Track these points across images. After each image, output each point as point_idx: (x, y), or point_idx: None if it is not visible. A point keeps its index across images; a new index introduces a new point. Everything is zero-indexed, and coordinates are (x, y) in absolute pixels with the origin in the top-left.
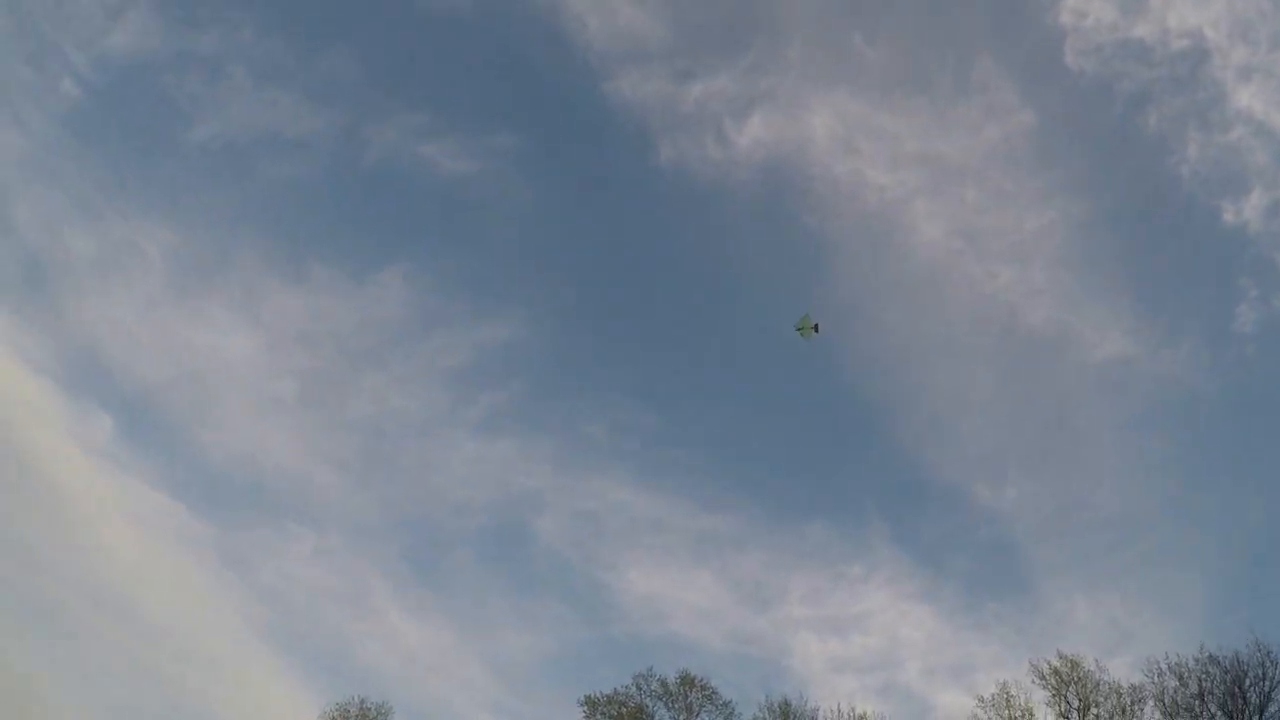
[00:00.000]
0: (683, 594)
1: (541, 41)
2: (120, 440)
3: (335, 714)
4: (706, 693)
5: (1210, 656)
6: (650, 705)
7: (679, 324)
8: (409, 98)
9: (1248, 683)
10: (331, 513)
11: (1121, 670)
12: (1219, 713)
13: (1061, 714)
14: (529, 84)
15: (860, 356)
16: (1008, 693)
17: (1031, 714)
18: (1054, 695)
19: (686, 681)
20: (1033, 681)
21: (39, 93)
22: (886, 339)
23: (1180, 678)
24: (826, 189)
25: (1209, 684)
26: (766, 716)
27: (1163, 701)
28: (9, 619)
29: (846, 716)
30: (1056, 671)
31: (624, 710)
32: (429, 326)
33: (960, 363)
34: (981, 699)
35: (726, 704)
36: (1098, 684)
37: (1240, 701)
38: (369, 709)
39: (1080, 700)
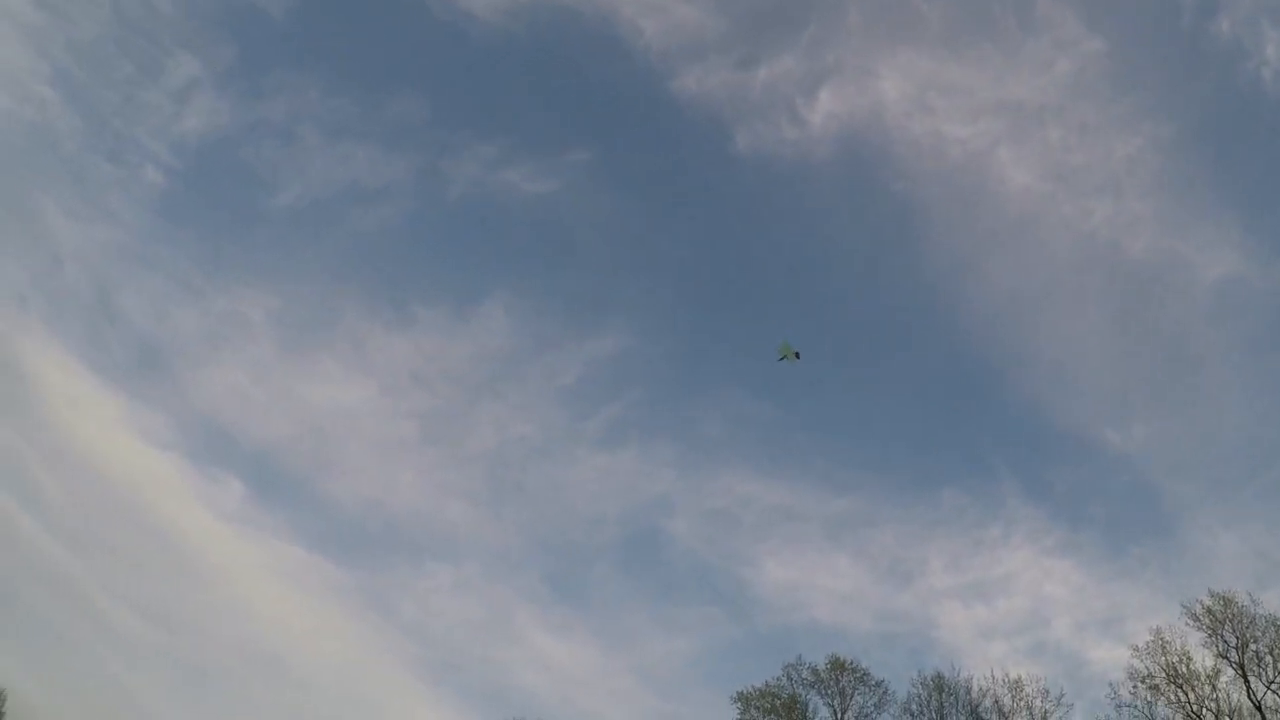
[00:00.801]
0: (822, 580)
1: (600, 52)
2: (251, 501)
3: None
4: (858, 675)
5: None
6: (803, 694)
7: (780, 310)
8: (479, 129)
9: None
10: (466, 545)
11: (1276, 602)
12: None
13: (1219, 653)
14: (594, 96)
15: (967, 315)
16: (1162, 638)
17: (1189, 657)
18: (1210, 635)
19: (836, 666)
20: (1186, 624)
21: (124, 184)
22: (990, 293)
23: None
24: (907, 151)
25: None
26: (920, 692)
27: None
28: (168, 683)
29: (1001, 683)
30: (1210, 611)
31: (777, 703)
32: (537, 349)
33: (1069, 306)
34: (1136, 648)
35: (879, 684)
36: (1254, 619)
37: None
38: None
39: (1238, 637)
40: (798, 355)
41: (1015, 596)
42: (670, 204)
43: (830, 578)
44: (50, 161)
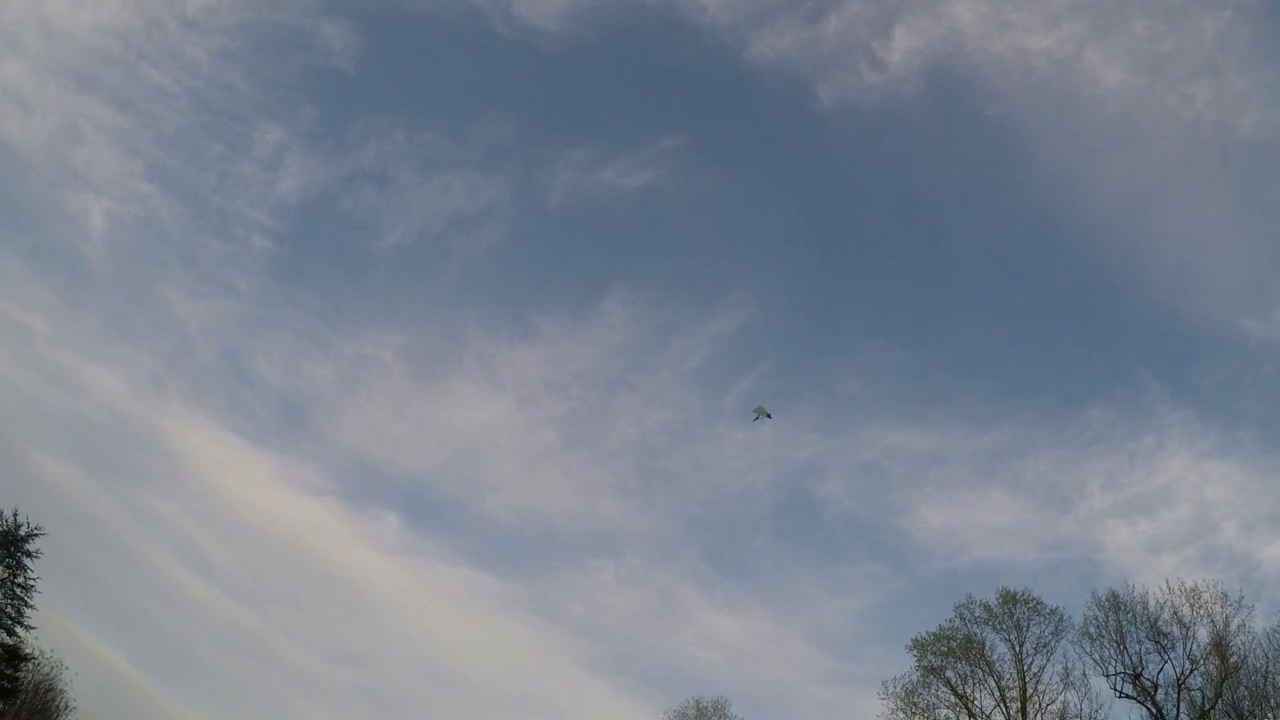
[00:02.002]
0: (980, 518)
1: (668, 38)
2: (409, 531)
3: (674, 719)
4: (1031, 605)
5: None
6: (978, 633)
7: (891, 254)
8: (567, 135)
9: None
10: (623, 537)
11: None
12: None
13: None
14: (672, 82)
15: (1084, 227)
16: None
17: None
18: None
19: (1008, 599)
20: None
21: (235, 257)
22: (1102, 200)
23: None
24: (993, 73)
25: None
26: (1097, 614)
27: None
28: (357, 715)
29: (1178, 593)
30: None
31: (953, 644)
32: (661, 337)
33: (1185, 199)
34: None
35: (1053, 612)
36: None
37: None
38: (705, 708)
39: None
40: (769, 415)
41: (1178, 506)
42: (766, 172)
43: (988, 514)
44: (163, 250)
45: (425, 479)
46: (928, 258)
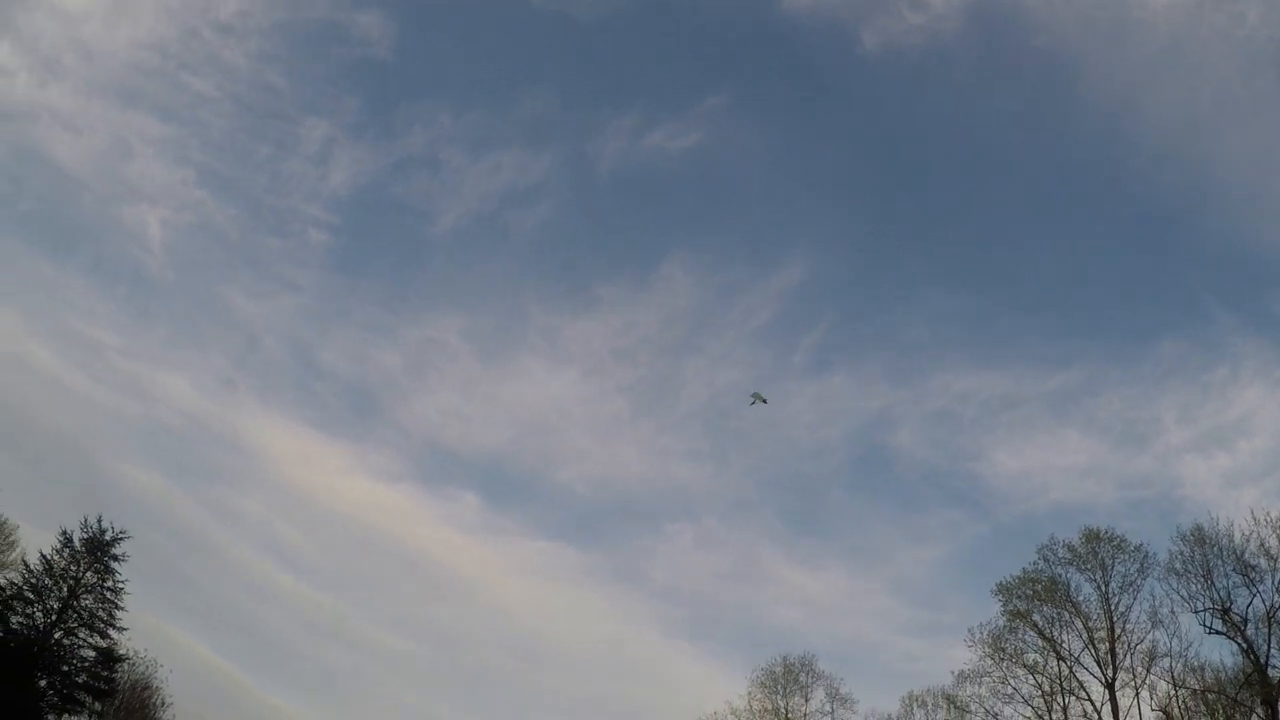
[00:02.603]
0: (1055, 459)
1: None
2: (487, 509)
3: (763, 678)
4: (1114, 543)
5: None
6: (1062, 574)
7: (949, 199)
8: (612, 103)
9: None
10: (700, 500)
11: None
12: None
13: None
14: (712, 40)
15: (1142, 157)
16: None
17: None
18: None
19: (1091, 538)
20: None
21: (293, 253)
22: (1160, 128)
23: None
24: (1038, 3)
25: None
26: (1182, 549)
27: None
28: (448, 692)
29: (1264, 524)
30: None
31: (1037, 588)
32: (724, 297)
33: (1246, 120)
34: None
35: (1137, 549)
36: None
37: None
38: (792, 665)
39: None
40: (765, 400)
41: (1256, 436)
42: (815, 122)
43: (1063, 455)
44: (222, 253)
45: (499, 456)
46: (984, 199)
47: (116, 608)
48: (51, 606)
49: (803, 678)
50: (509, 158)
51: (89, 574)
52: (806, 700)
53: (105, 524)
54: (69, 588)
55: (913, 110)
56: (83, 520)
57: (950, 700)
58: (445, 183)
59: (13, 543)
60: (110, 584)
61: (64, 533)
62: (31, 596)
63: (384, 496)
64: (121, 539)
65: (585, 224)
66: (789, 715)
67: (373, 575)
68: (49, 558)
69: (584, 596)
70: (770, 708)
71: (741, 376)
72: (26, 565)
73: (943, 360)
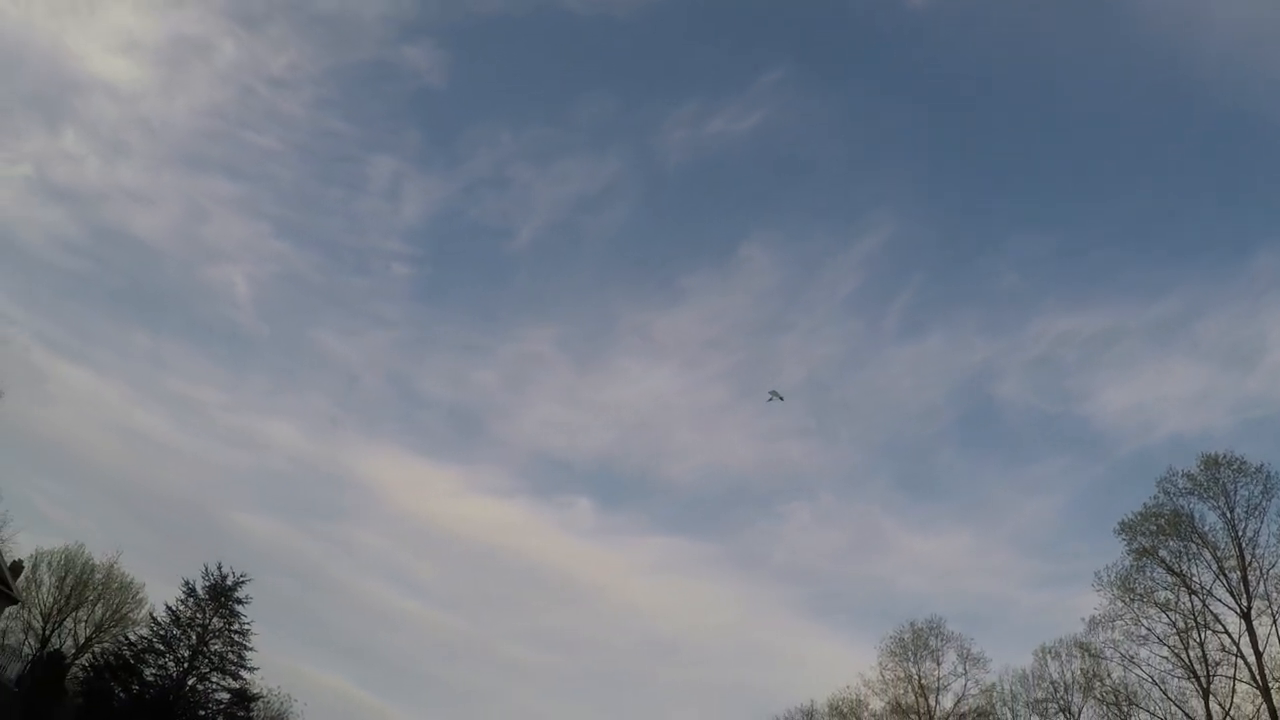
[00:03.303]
0: (1163, 390)
1: None
2: (602, 512)
3: (892, 646)
4: (1235, 467)
5: None
6: (1185, 505)
7: (1021, 139)
8: (669, 95)
9: None
10: (811, 476)
11: None
12: None
13: None
14: (756, 18)
15: (1211, 64)
16: None
17: None
18: None
19: (1210, 464)
20: None
21: (378, 289)
22: (1224, 29)
23: None
24: None
25: None
26: None
27: None
28: (580, 697)
29: None
30: None
31: (1161, 522)
32: (808, 270)
33: None
34: None
35: (1259, 470)
36: None
37: None
38: (920, 630)
39: None
40: (782, 398)
41: None
42: (872, 81)
43: (1171, 385)
44: (309, 299)
45: (607, 459)
46: (1055, 133)
47: (245, 649)
48: (182, 655)
49: (932, 642)
50: (575, 165)
51: (215, 619)
52: (938, 664)
53: (225, 570)
54: (197, 635)
55: (969, 54)
56: (204, 569)
57: (1084, 648)
58: (516, 199)
59: (140, 600)
60: (237, 627)
61: (186, 583)
62: (162, 648)
63: (499, 512)
64: (243, 582)
65: (659, 219)
66: (922, 681)
67: (496, 591)
68: (175, 609)
69: (707, 587)
70: (902, 675)
71: (836, 348)
72: (154, 619)
73: (1038, 304)
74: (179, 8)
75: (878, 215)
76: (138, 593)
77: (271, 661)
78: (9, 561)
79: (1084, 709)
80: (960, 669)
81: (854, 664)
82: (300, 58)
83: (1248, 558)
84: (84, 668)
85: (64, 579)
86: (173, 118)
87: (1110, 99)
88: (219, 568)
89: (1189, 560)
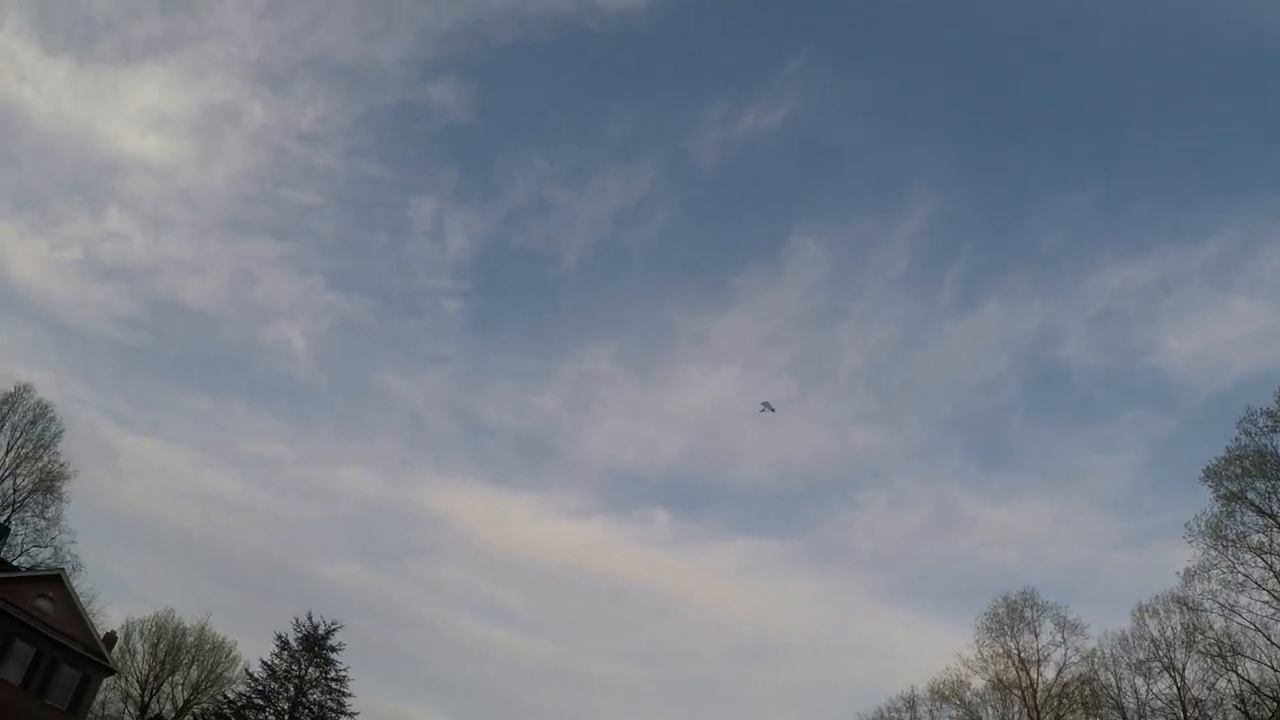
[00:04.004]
0: (1228, 332)
1: None
2: (678, 521)
3: (987, 623)
4: None
5: None
6: (1268, 443)
7: (1052, 93)
8: (696, 99)
9: None
10: (883, 460)
11: None
12: None
13: None
14: (771, 10)
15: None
16: None
17: None
18: None
19: None
20: None
21: (433, 328)
22: None
23: None
24: None
25: None
26: None
27: None
28: (677, 706)
29: None
30: None
31: (1245, 464)
32: (859, 254)
33: None
34: None
35: None
36: None
37: None
38: (1014, 603)
39: None
40: (773, 409)
41: None
42: (897, 55)
43: (1235, 326)
44: (366, 345)
45: (679, 468)
46: (1084, 82)
47: (344, 695)
48: (282, 708)
49: (1027, 613)
50: (611, 180)
51: (311, 669)
52: (1036, 636)
53: (316, 619)
54: (295, 686)
55: (988, 16)
56: (294, 620)
57: (1182, 602)
58: (557, 221)
59: (234, 659)
60: (333, 675)
61: (279, 636)
62: (261, 703)
63: (577, 534)
64: (334, 630)
65: (702, 223)
66: (1021, 654)
67: (582, 611)
68: (270, 663)
69: (791, 585)
70: (1001, 650)
71: (893, 329)
72: (250, 675)
73: (1089, 260)
74: (202, 79)
75: (917, 191)
76: (230, 651)
77: (369, 705)
78: (102, 634)
79: (1188, 664)
80: (1059, 638)
81: (948, 646)
82: (328, 110)
83: None
84: None
85: (157, 645)
86: (211, 186)
87: (1135, 42)
88: (309, 618)
89: (1278, 500)
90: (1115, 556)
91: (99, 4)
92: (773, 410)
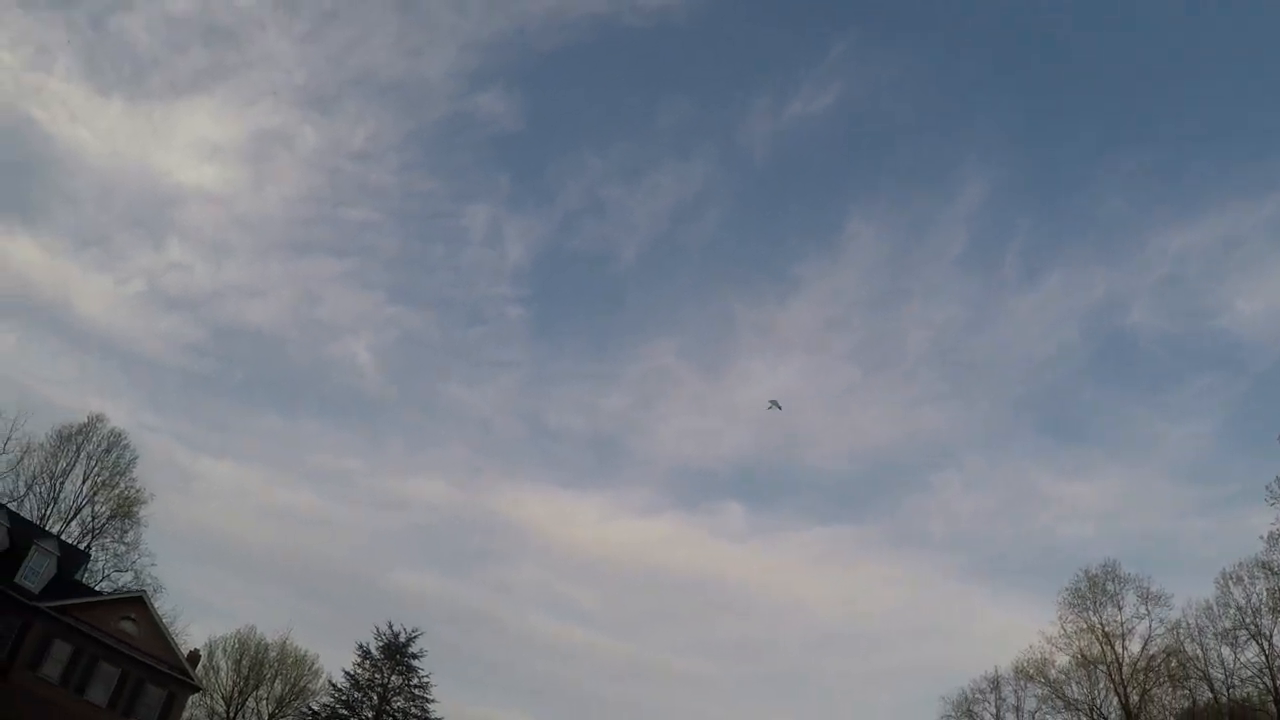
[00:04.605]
0: None
1: None
2: (754, 513)
3: (1069, 598)
4: None
5: None
6: None
7: (1097, 55)
8: (743, 90)
9: None
10: (955, 441)
11: None
12: None
13: None
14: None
15: None
16: None
17: None
18: None
19: None
20: None
21: (496, 335)
22: None
23: None
24: None
25: None
26: None
27: None
28: (755, 699)
29: None
30: None
31: None
32: (915, 235)
33: None
34: None
35: None
36: None
37: None
38: (1096, 577)
39: None
40: (780, 407)
41: None
42: (939, 31)
43: None
44: (431, 356)
45: (749, 460)
46: (1131, 46)
47: (428, 701)
48: (366, 717)
49: (1109, 586)
50: (664, 177)
51: (394, 677)
52: (1119, 609)
53: (396, 628)
54: (379, 695)
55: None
56: (375, 630)
57: (1267, 567)
58: (613, 221)
59: (316, 671)
60: (416, 681)
61: (360, 646)
62: (346, 713)
63: (650, 530)
64: (415, 637)
65: (757, 213)
66: (1105, 628)
67: (658, 607)
68: (353, 673)
69: (868, 571)
70: (1084, 625)
71: (956, 309)
72: (334, 686)
73: (1151, 222)
74: (253, 106)
75: (971, 168)
76: (313, 664)
77: (452, 710)
78: (186, 652)
79: (1275, 630)
80: (1142, 610)
81: (1028, 625)
82: (378, 128)
83: None
84: None
85: (240, 661)
86: (268, 210)
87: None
88: (389, 626)
89: None
90: (1194, 524)
91: (144, 42)
92: (780, 408)
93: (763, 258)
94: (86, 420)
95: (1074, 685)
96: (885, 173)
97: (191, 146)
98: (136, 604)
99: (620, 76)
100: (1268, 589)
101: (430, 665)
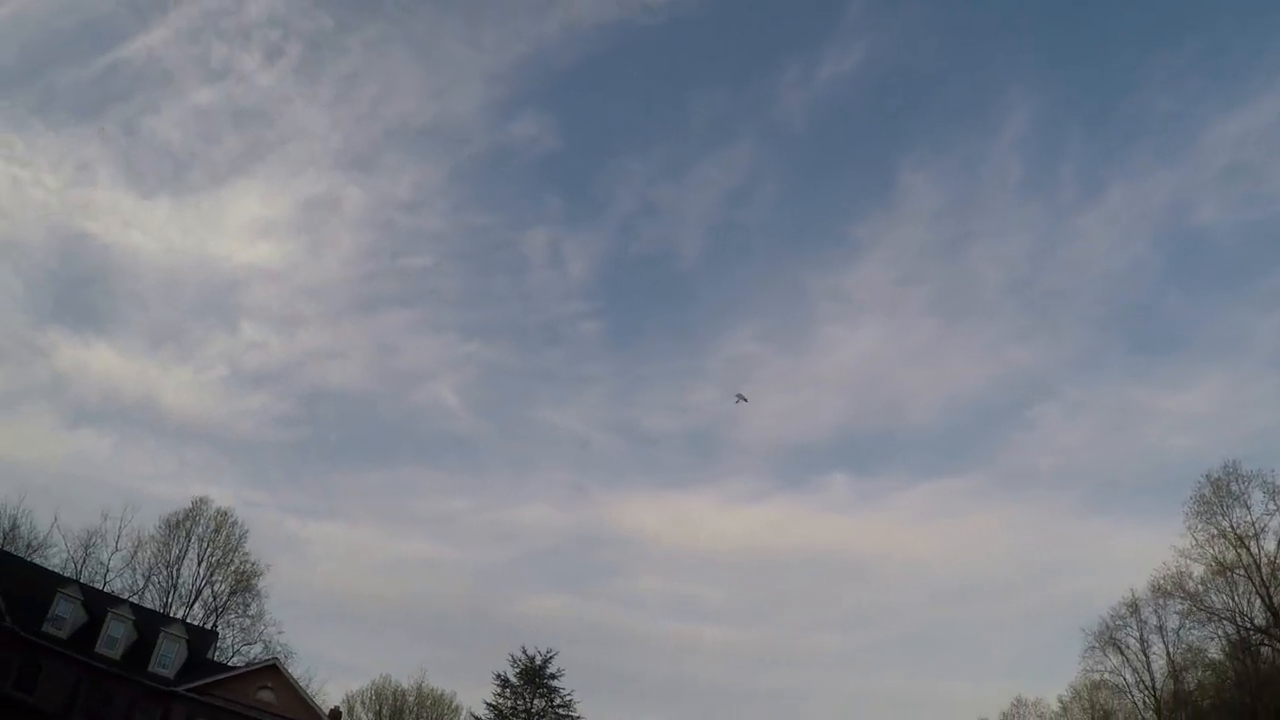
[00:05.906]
0: None
1: None
2: (860, 480)
3: (1195, 507)
4: None
5: None
6: None
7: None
8: (775, 67)
9: None
10: (1049, 374)
11: None
12: None
13: None
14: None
15: None
16: None
17: None
18: None
19: None
20: None
21: (576, 349)
22: None
23: None
24: None
25: None
26: None
27: None
28: (880, 664)
29: None
30: None
31: None
32: (969, 173)
33: None
34: None
35: None
36: None
37: None
38: (1218, 480)
39: None
40: (746, 399)
41: None
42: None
43: None
44: (516, 385)
45: (845, 428)
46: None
47: (573, 719)
48: None
49: (1234, 487)
50: (709, 167)
51: (536, 701)
52: (1248, 508)
53: (531, 652)
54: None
55: None
56: (510, 658)
57: None
58: (668, 219)
59: (455, 709)
60: (559, 702)
61: (498, 676)
62: None
63: (759, 516)
64: (551, 658)
65: (807, 182)
66: (1236, 530)
67: (778, 591)
68: (494, 703)
69: (982, 519)
70: (1215, 532)
71: (1028, 238)
72: (476, 718)
73: (1203, 115)
74: (296, 178)
75: (1012, 96)
76: (451, 701)
77: None
78: (327, 710)
79: None
80: (1271, 506)
81: (1158, 544)
82: (421, 175)
83: None
84: None
85: (380, 711)
86: (329, 274)
87: None
88: (524, 651)
89: None
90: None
91: (178, 139)
92: (745, 400)
93: (823, 226)
94: (191, 505)
95: (1213, 595)
96: (926, 117)
97: (244, 228)
98: (271, 672)
99: (646, 77)
100: None
101: (570, 685)
